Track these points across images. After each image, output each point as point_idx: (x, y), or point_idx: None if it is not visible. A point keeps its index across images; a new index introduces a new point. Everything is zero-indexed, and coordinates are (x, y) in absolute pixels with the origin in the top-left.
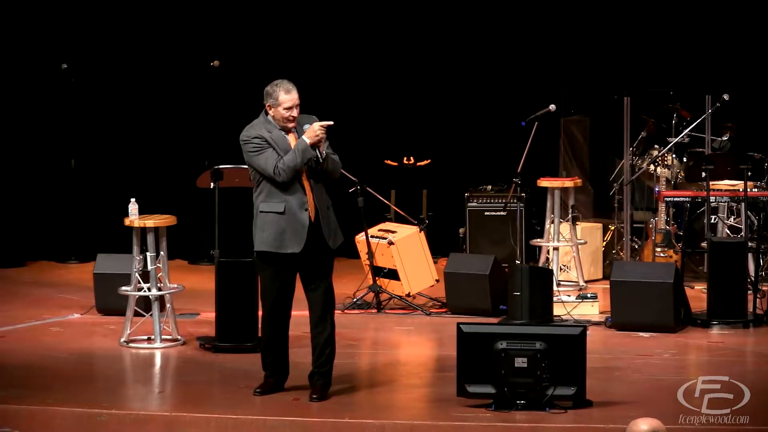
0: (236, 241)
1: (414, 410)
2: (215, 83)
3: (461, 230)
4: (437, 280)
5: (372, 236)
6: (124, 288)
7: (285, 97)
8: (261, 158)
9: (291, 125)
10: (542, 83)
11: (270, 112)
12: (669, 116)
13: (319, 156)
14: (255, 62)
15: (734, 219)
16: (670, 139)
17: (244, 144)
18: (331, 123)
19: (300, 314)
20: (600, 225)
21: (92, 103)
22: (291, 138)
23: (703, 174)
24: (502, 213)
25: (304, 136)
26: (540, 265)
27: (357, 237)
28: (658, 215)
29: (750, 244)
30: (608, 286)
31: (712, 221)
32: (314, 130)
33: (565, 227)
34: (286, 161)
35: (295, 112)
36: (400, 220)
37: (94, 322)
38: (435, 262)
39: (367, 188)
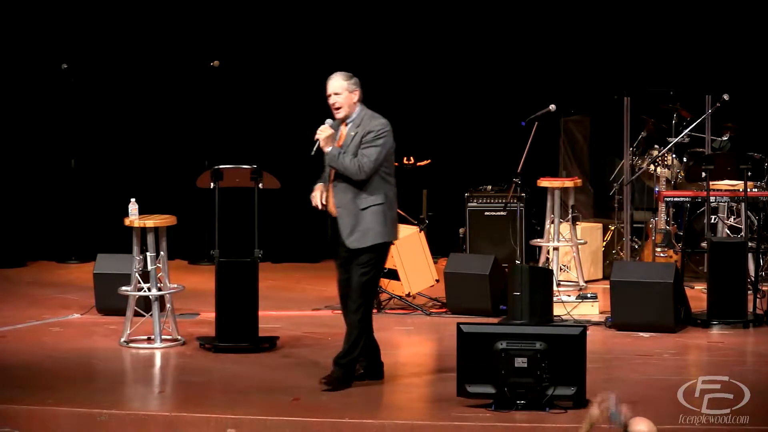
0: (236, 241)
1: (414, 410)
2: (215, 83)
3: (461, 230)
4: (437, 280)
5: None
6: (124, 288)
7: (327, 85)
8: None
9: (337, 114)
10: (542, 83)
11: None
12: (669, 116)
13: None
14: (255, 62)
15: (734, 219)
16: (670, 139)
17: None
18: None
19: (301, 314)
20: (600, 225)
21: (92, 103)
22: (343, 130)
23: (703, 174)
24: (502, 213)
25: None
26: (540, 265)
27: None
28: (658, 215)
29: (750, 244)
30: (608, 286)
31: (712, 221)
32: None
33: (565, 227)
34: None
35: (331, 100)
36: (400, 220)
37: (94, 322)
38: (435, 262)
39: None
